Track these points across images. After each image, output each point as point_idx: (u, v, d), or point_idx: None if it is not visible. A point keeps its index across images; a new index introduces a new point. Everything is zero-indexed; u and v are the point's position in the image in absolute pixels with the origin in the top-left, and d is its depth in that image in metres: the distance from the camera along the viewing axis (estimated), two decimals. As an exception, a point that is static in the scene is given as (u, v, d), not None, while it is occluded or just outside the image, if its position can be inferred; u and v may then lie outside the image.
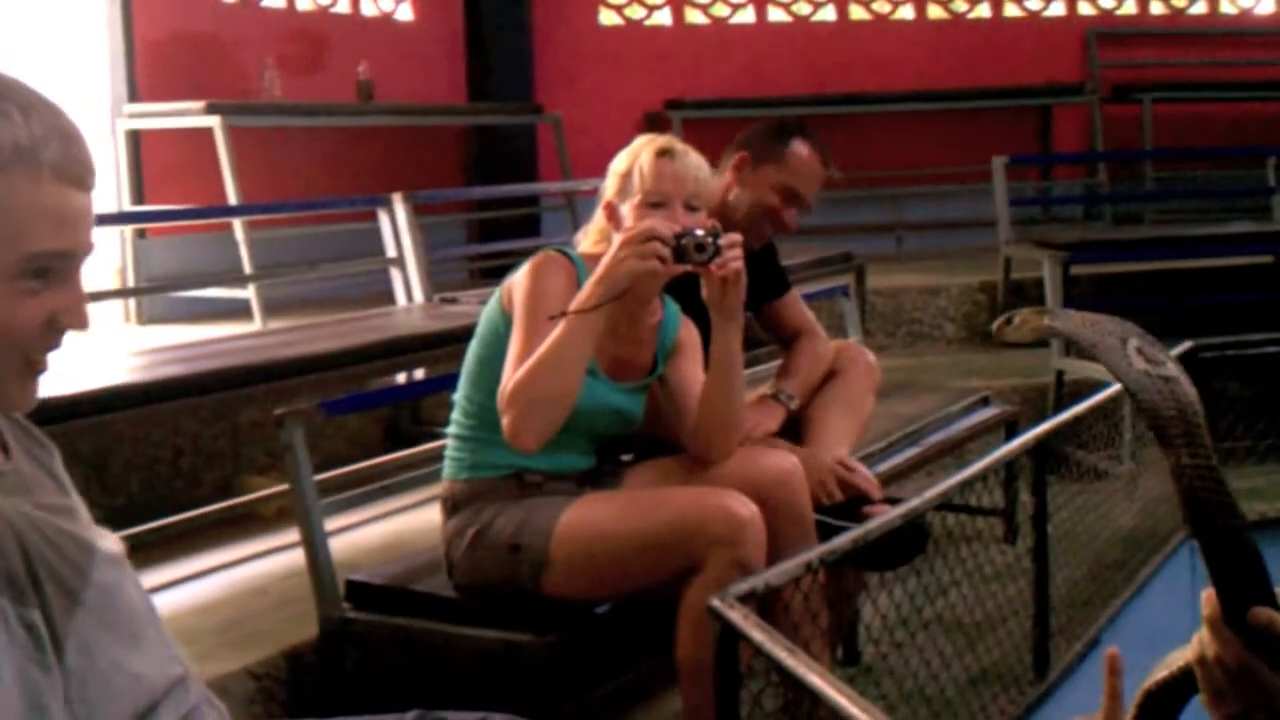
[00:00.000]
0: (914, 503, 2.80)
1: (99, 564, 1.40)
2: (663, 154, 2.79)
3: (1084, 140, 9.33)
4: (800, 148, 3.29)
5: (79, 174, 1.33)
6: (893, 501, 2.95)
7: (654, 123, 7.85)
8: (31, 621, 1.30)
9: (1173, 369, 1.17)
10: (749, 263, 3.26)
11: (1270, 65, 9.47)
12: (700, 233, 2.62)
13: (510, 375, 2.64)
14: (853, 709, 1.84)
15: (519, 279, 2.77)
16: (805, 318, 3.52)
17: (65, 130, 1.33)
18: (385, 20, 7.91)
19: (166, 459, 4.31)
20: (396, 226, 5.59)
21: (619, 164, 2.85)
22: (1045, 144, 9.37)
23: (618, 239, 2.66)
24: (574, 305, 2.61)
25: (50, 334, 1.34)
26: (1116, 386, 4.11)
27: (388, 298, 5.68)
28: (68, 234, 1.32)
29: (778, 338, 3.51)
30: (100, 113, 6.26)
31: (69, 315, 1.34)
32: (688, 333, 2.91)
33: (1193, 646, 1.16)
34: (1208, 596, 1.14)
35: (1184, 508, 1.14)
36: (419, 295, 5.54)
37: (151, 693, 1.41)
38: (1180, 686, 1.18)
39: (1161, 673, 1.23)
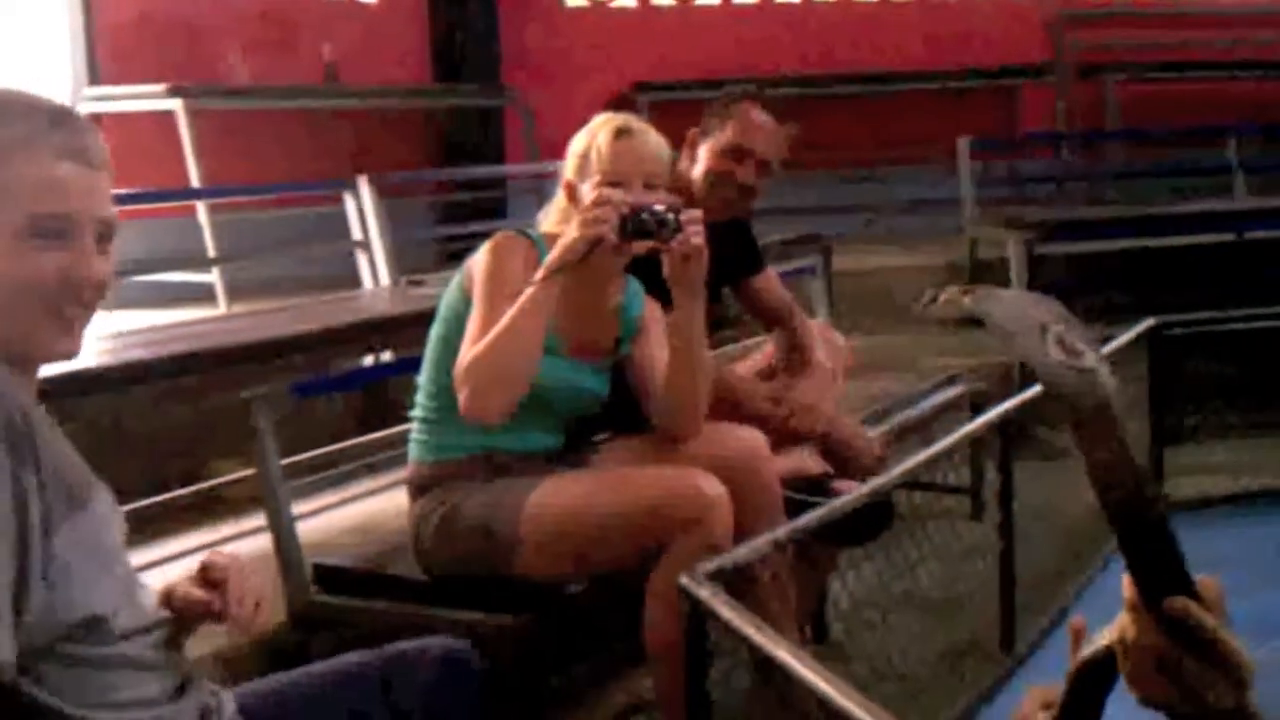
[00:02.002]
0: (881, 479, 2.81)
1: (98, 496, 1.65)
2: (621, 134, 2.78)
3: (1050, 120, 9.36)
4: (744, 107, 3.24)
5: (76, 153, 1.64)
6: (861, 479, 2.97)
7: (621, 105, 7.83)
8: (24, 480, 1.52)
9: (1091, 360, 1.13)
10: (723, 238, 3.28)
11: (1234, 46, 9.52)
12: (661, 208, 2.62)
13: (467, 351, 2.64)
14: (821, 684, 1.85)
15: (478, 259, 2.77)
16: (784, 295, 3.52)
17: (65, 121, 1.66)
18: (350, 2, 7.87)
19: (132, 443, 4.29)
20: (362, 209, 5.58)
21: (577, 144, 2.84)
22: (1012, 124, 9.40)
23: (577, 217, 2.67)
24: (536, 277, 2.61)
25: (68, 287, 1.63)
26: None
27: (354, 281, 5.67)
28: (64, 200, 1.63)
29: (761, 316, 3.51)
30: (61, 96, 6.19)
31: (77, 269, 1.63)
32: (651, 311, 2.91)
33: (1114, 628, 1.17)
34: (1128, 581, 1.15)
35: (1100, 501, 1.14)
36: (385, 278, 5.53)
37: (115, 601, 1.63)
38: (1107, 665, 1.19)
39: (1088, 651, 1.24)
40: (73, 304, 1.64)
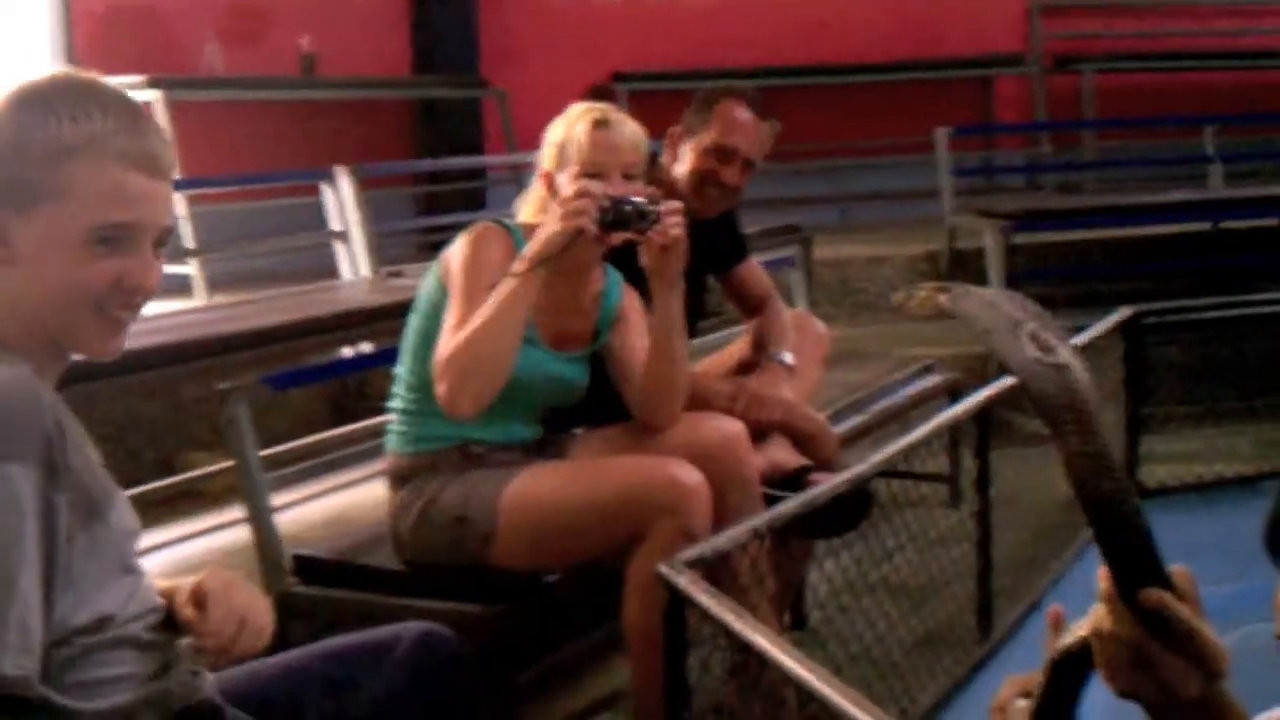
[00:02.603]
0: (859, 468, 2.82)
1: (115, 505, 1.68)
2: (599, 125, 2.78)
3: (1026, 111, 9.39)
4: (728, 106, 3.22)
5: (144, 162, 1.63)
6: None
7: (600, 95, 7.82)
8: (54, 500, 1.54)
9: (1066, 356, 1.14)
10: (708, 230, 3.29)
11: (1208, 35, 9.57)
12: (640, 199, 2.62)
13: (445, 343, 2.64)
14: (800, 670, 1.86)
15: (455, 250, 2.77)
16: (767, 283, 3.53)
17: (137, 127, 1.64)
18: (328, -7, 7.85)
19: (108, 436, 4.28)
20: (341, 200, 5.57)
21: (554, 133, 2.84)
22: (987, 114, 9.43)
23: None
24: (513, 269, 2.61)
25: (119, 293, 1.63)
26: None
27: (333, 272, 5.66)
28: (129, 209, 1.62)
29: (742, 305, 3.51)
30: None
31: (132, 277, 1.63)
32: (630, 301, 2.91)
33: (1090, 619, 1.18)
34: (1104, 573, 1.16)
35: (1076, 494, 1.14)
36: (364, 269, 5.52)
37: (122, 600, 1.66)
38: (1083, 656, 1.20)
39: (1064, 642, 1.25)
40: (123, 308, 1.66)
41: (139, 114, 1.67)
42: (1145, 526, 1.14)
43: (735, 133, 3.20)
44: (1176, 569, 1.17)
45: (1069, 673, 1.25)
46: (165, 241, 1.70)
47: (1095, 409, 1.14)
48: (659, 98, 7.83)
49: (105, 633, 1.65)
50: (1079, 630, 1.22)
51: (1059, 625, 1.30)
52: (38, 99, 1.63)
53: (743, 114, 3.23)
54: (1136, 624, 1.13)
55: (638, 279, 2.80)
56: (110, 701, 1.65)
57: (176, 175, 1.73)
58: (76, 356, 1.73)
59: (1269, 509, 1.61)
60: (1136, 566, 1.14)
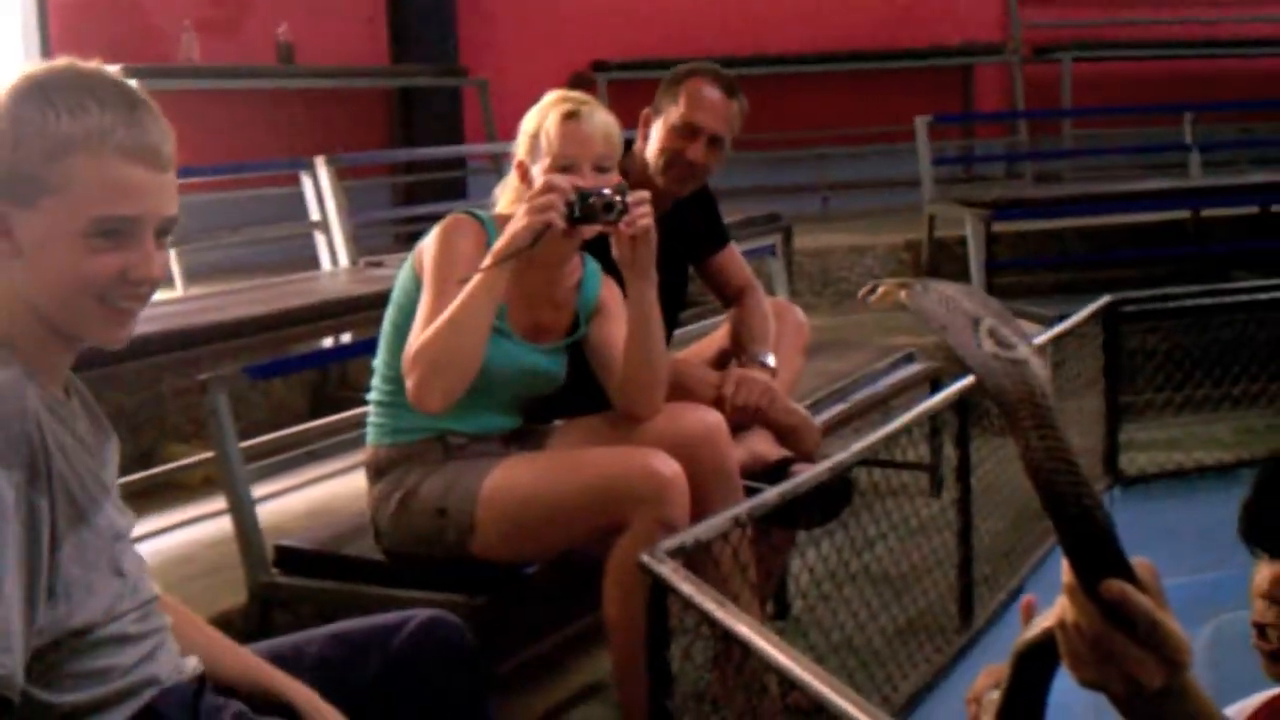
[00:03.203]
0: (840, 457, 2.83)
1: (103, 507, 1.68)
2: (569, 117, 2.76)
3: (1005, 99, 9.41)
4: (695, 83, 3.21)
5: (144, 154, 1.63)
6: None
7: (579, 84, 7.82)
8: (36, 504, 1.55)
9: (1024, 351, 1.15)
10: (685, 217, 3.28)
11: (1186, 24, 9.59)
12: (607, 191, 2.62)
13: (415, 338, 2.63)
14: (782, 658, 1.86)
15: (428, 243, 2.76)
16: (747, 272, 3.51)
17: (136, 119, 1.64)
18: (306, -18, 7.82)
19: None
20: (320, 190, 5.55)
21: (528, 123, 2.83)
22: (967, 103, 9.44)
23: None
24: (479, 267, 2.61)
25: (124, 284, 1.64)
26: (1037, 341, 4.18)
27: (312, 263, 5.64)
28: (130, 202, 1.62)
29: (721, 293, 3.49)
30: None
31: (137, 269, 1.64)
32: (609, 292, 2.90)
33: (1054, 611, 1.19)
34: (1067, 565, 1.17)
35: (1035, 489, 1.14)
36: (344, 259, 5.51)
37: (111, 601, 1.67)
38: (1048, 648, 1.21)
39: (1030, 634, 1.26)
40: (129, 299, 1.66)
41: (138, 105, 1.67)
42: (1105, 519, 1.14)
43: (701, 110, 3.19)
44: (1139, 561, 1.18)
45: (1035, 665, 1.26)
46: (169, 231, 1.71)
47: (1052, 404, 1.14)
48: (638, 86, 7.80)
49: (94, 633, 1.66)
50: (1044, 622, 1.23)
51: (1032, 616, 1.30)
52: (35, 92, 1.62)
53: (710, 91, 3.21)
54: (1099, 616, 1.14)
55: (615, 269, 2.80)
56: (90, 694, 1.66)
57: (175, 165, 1.71)
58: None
59: (1245, 497, 1.63)
60: (1097, 559, 1.14)
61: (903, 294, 1.24)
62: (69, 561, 1.61)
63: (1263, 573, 1.58)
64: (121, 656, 1.70)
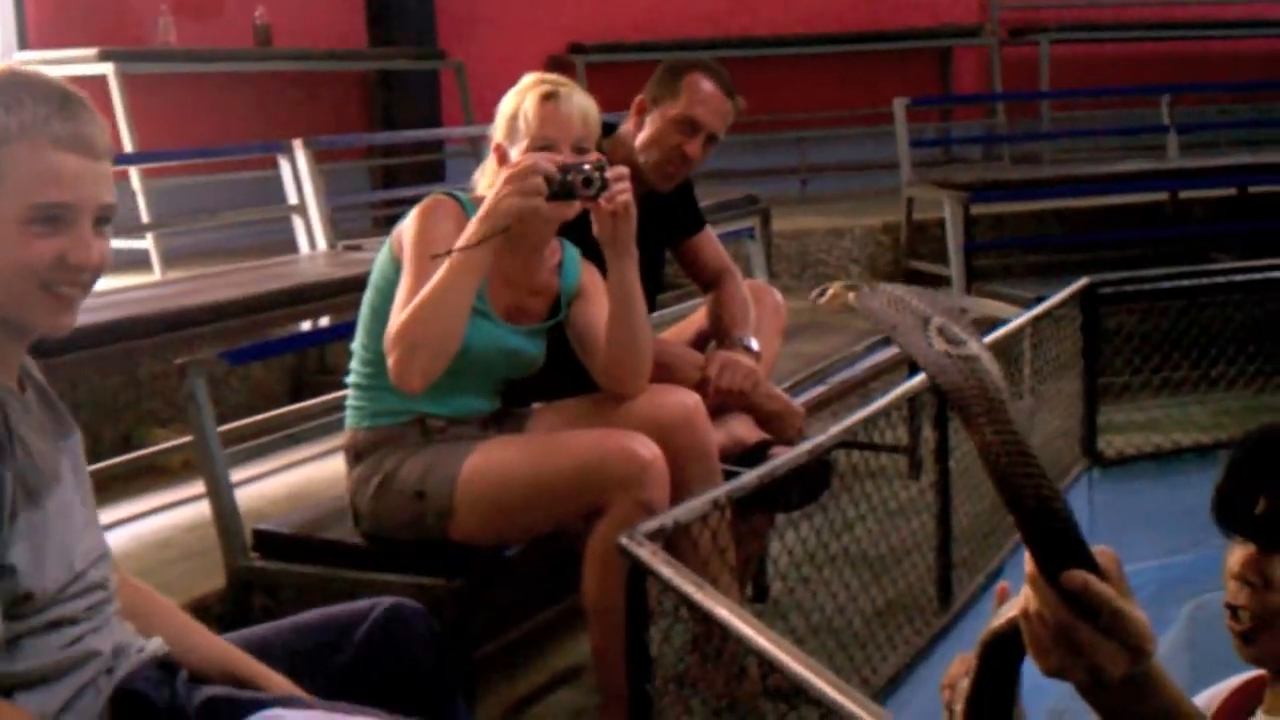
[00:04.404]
0: (819, 439, 2.83)
1: (55, 492, 1.73)
2: (547, 98, 2.76)
3: (983, 82, 9.41)
4: (696, 79, 3.21)
5: (77, 143, 1.69)
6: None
7: (558, 67, 7.80)
8: (3, 474, 1.64)
9: (975, 348, 1.15)
10: (663, 201, 3.28)
11: (1164, 5, 9.60)
12: (586, 167, 2.62)
13: (395, 318, 2.63)
14: (761, 640, 1.87)
15: (407, 224, 2.76)
16: (724, 256, 3.51)
17: (69, 111, 1.70)
18: (282, -37, 7.77)
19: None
20: (298, 173, 5.53)
21: (506, 105, 2.83)
22: (945, 86, 9.45)
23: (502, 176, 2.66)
24: (458, 244, 2.60)
25: (64, 269, 1.69)
26: (1015, 323, 4.19)
27: (290, 246, 5.62)
28: (64, 189, 1.68)
29: (699, 278, 3.48)
30: (-11, 60, 6.12)
31: (75, 255, 1.69)
32: (590, 276, 2.90)
33: (1019, 601, 1.19)
34: (1030, 555, 1.17)
35: (993, 483, 1.15)
36: (322, 243, 5.48)
37: (54, 580, 1.71)
38: (1013, 637, 1.22)
39: (995, 623, 1.27)
40: (70, 285, 1.71)
41: (71, 99, 1.73)
42: (1064, 510, 1.15)
43: (702, 106, 3.20)
44: (1101, 549, 1.19)
45: (1001, 655, 1.26)
46: (108, 219, 1.75)
47: (1006, 397, 1.14)
48: (616, 69, 7.82)
49: (42, 615, 1.70)
50: (1009, 612, 1.24)
51: (1005, 601, 1.31)
52: None
53: (710, 88, 3.22)
54: (1061, 605, 1.14)
55: (593, 252, 2.79)
56: (29, 664, 1.70)
57: (112, 155, 1.77)
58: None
59: (1217, 479, 1.63)
60: (1058, 550, 1.14)
61: (851, 296, 1.24)
62: (20, 537, 1.66)
63: (1235, 554, 1.59)
64: (60, 635, 1.73)
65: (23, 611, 1.68)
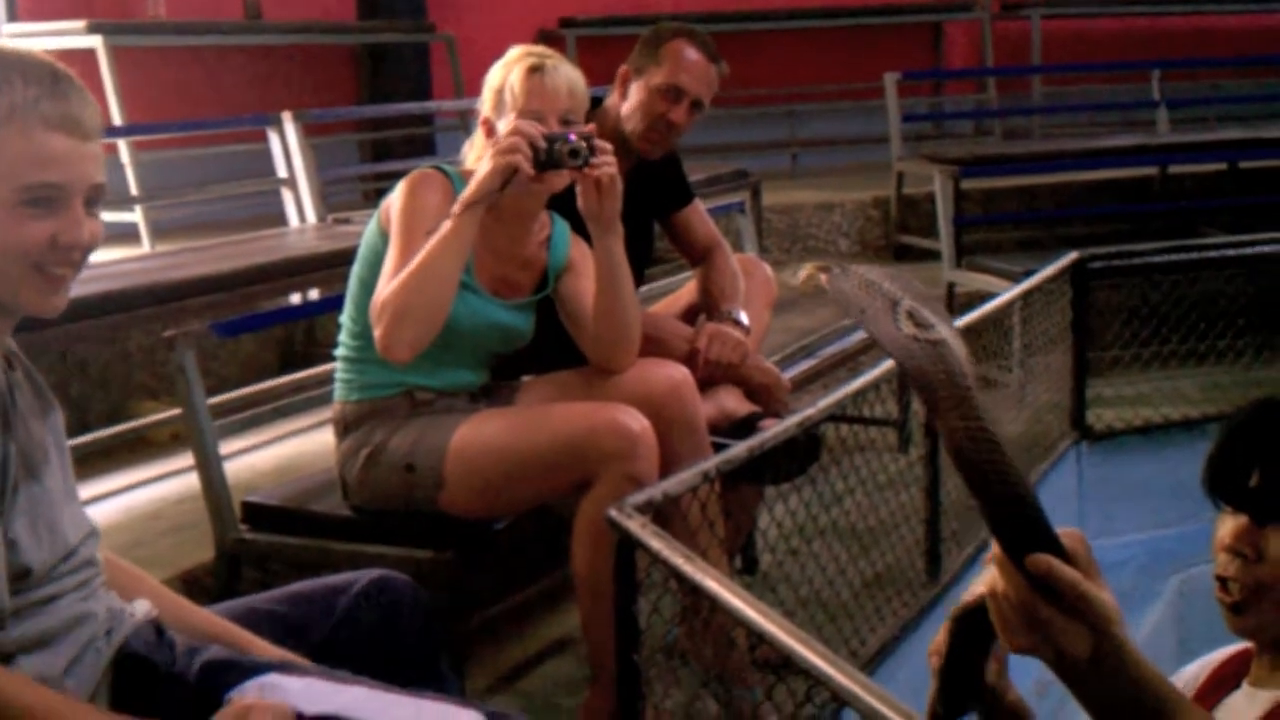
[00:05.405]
0: (808, 412, 2.83)
1: (48, 469, 1.76)
2: (533, 71, 2.76)
3: (974, 56, 9.40)
4: (678, 46, 3.19)
5: (67, 124, 1.68)
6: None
7: (548, 41, 7.77)
8: (6, 447, 1.66)
9: (943, 332, 1.15)
10: (651, 174, 3.27)
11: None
12: (573, 137, 2.62)
13: (382, 288, 2.63)
14: (750, 611, 1.87)
15: (395, 197, 2.75)
16: (713, 230, 3.50)
17: (59, 91, 1.69)
18: (271, -64, 7.73)
19: (54, 385, 4.23)
20: (287, 146, 5.51)
21: (493, 78, 2.82)
22: (936, 60, 9.43)
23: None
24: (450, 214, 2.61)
25: (56, 250, 1.68)
26: (1006, 296, 4.19)
27: (279, 220, 5.61)
28: (55, 170, 1.67)
29: (688, 251, 3.48)
30: (-23, 32, 6.09)
31: (67, 235, 1.68)
32: (579, 249, 2.90)
33: (986, 578, 1.20)
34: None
35: (957, 468, 1.16)
36: (311, 216, 5.47)
37: (46, 556, 1.73)
38: (983, 614, 1.23)
39: (965, 600, 1.27)
40: (61, 265, 1.71)
41: (61, 78, 1.72)
42: (1028, 494, 1.15)
43: (685, 72, 3.18)
44: (1067, 531, 1.20)
45: (971, 630, 1.27)
46: (98, 200, 1.74)
47: (972, 382, 1.15)
48: (607, 43, 7.80)
49: (37, 590, 1.71)
50: (978, 589, 1.24)
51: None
52: None
53: (694, 54, 3.20)
54: (1027, 587, 1.16)
55: (583, 226, 2.79)
56: (36, 628, 1.71)
57: (102, 135, 1.76)
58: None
59: (1208, 450, 1.64)
60: (1022, 534, 1.16)
61: (823, 278, 1.23)
62: (20, 512, 1.67)
63: (1226, 526, 1.59)
64: (54, 609, 1.74)
65: (20, 587, 1.68)
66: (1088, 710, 1.22)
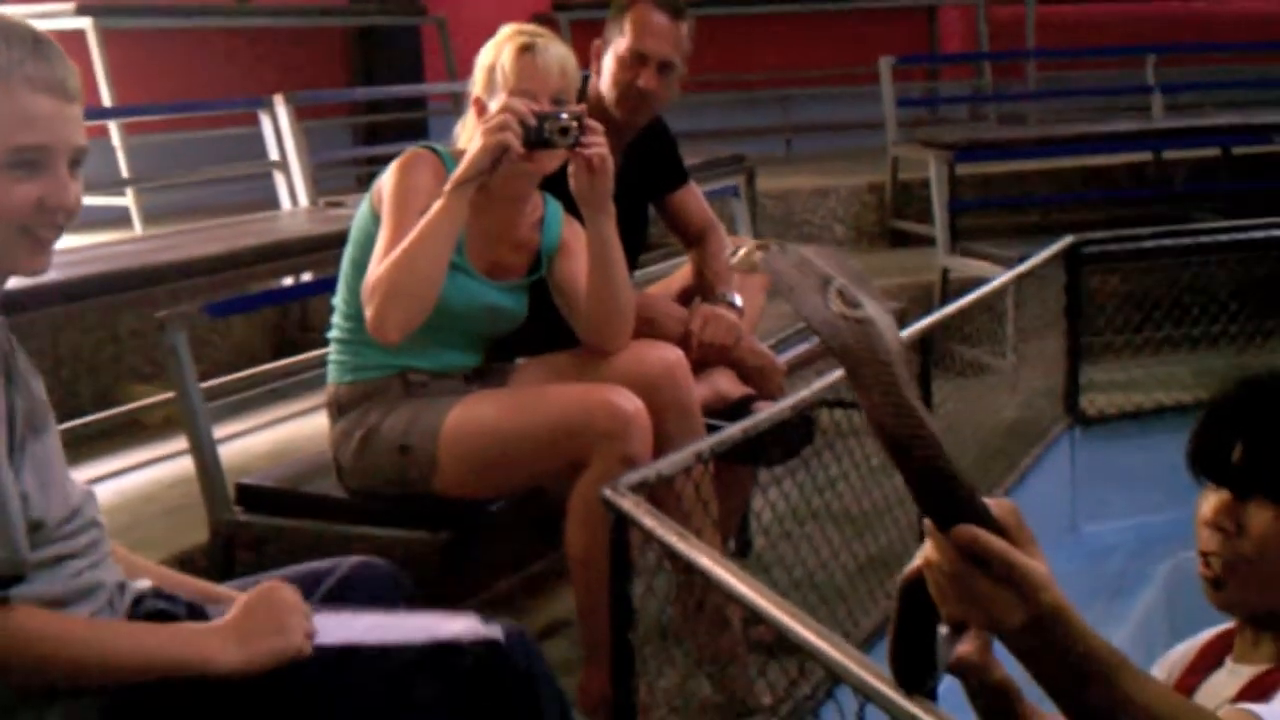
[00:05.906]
0: (802, 395, 2.83)
1: (51, 424, 1.81)
2: (524, 50, 2.75)
3: (969, 41, 9.39)
4: (641, 10, 3.16)
5: (51, 86, 1.70)
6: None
7: (542, 24, 7.73)
8: (13, 400, 1.70)
9: (871, 311, 1.17)
10: (644, 154, 3.26)
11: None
12: (564, 116, 2.61)
13: (374, 268, 2.62)
14: (744, 589, 1.87)
15: (386, 177, 2.75)
16: (708, 212, 3.49)
17: (41, 52, 1.71)
18: (263, -81, 7.70)
19: (45, 369, 4.22)
20: (279, 129, 5.49)
21: (484, 58, 2.81)
22: (931, 45, 9.42)
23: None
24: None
25: (43, 213, 1.71)
26: (998, 281, 4.19)
27: (271, 203, 5.59)
28: (40, 132, 1.69)
29: (683, 233, 3.47)
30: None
31: (53, 197, 1.71)
32: (572, 231, 2.89)
33: (924, 549, 1.23)
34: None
35: (879, 441, 1.18)
36: (303, 199, 5.46)
37: (55, 510, 1.77)
38: (924, 585, 1.25)
39: (907, 570, 1.29)
40: (46, 227, 1.73)
41: (43, 41, 1.74)
42: (949, 468, 1.18)
43: (649, 36, 3.15)
44: (999, 501, 1.24)
45: (915, 600, 1.29)
46: (80, 162, 1.76)
47: (896, 360, 1.17)
48: (600, 26, 7.75)
49: (48, 548, 1.74)
50: (917, 560, 1.26)
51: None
52: None
53: (656, 17, 3.16)
54: (957, 557, 1.19)
55: (574, 209, 2.78)
56: (47, 588, 1.74)
57: (83, 98, 1.78)
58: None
59: (1193, 427, 1.65)
60: (947, 505, 1.19)
61: (758, 254, 1.24)
62: (27, 466, 1.70)
63: (1209, 501, 1.61)
64: (67, 568, 1.78)
65: (33, 541, 1.70)
66: (1034, 677, 1.24)
